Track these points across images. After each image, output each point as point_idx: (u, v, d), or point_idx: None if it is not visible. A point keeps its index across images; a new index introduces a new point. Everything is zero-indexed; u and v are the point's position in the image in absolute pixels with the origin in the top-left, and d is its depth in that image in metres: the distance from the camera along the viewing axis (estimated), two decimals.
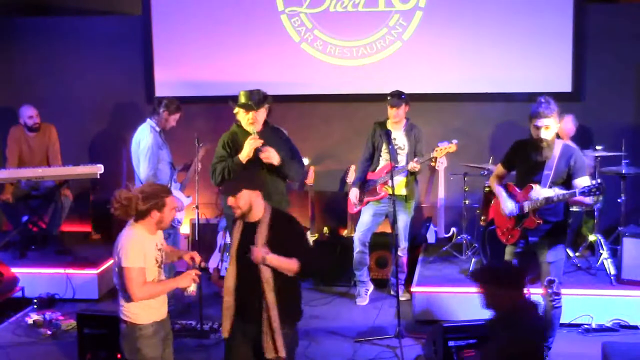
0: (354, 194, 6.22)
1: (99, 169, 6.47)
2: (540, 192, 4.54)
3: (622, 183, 5.94)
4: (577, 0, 6.86)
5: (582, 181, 4.53)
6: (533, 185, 4.59)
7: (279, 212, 4.08)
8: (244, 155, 5.15)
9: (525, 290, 3.79)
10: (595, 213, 6.05)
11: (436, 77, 7.17)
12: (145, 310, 3.93)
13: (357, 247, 6.20)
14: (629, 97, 6.95)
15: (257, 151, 5.15)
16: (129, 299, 3.86)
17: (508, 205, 4.71)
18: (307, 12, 7.30)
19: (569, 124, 6.26)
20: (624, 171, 5.86)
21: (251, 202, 3.91)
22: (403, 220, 6.10)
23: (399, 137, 6.10)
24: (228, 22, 7.42)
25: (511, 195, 4.76)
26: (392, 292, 6.32)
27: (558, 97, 6.35)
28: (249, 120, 5.18)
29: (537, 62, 6.96)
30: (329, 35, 7.29)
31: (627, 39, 6.87)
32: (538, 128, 4.55)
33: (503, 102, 7.02)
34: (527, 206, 4.61)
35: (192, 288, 4.19)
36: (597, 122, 6.44)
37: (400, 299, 5.60)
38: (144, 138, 5.88)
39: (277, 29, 7.34)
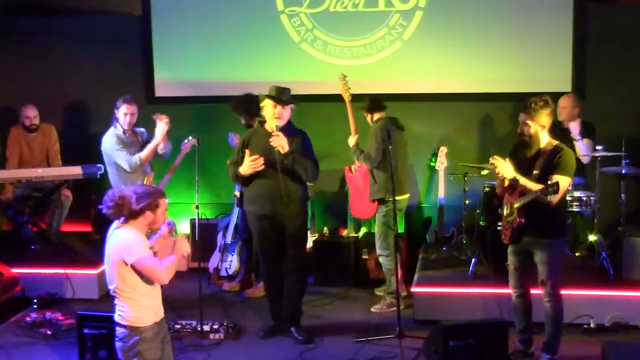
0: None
1: (99, 169, 6.48)
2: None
3: (622, 183, 5.93)
4: (577, 0, 6.87)
5: (557, 179, 4.46)
6: None
7: None
8: (242, 171, 5.24)
9: None
10: (594, 214, 6.04)
11: (436, 77, 7.17)
12: (145, 312, 3.92)
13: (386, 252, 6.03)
14: (629, 97, 6.94)
15: (268, 154, 5.19)
16: (138, 295, 3.85)
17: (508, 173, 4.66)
18: (307, 12, 7.30)
19: (567, 102, 6.30)
20: (624, 171, 5.85)
21: None
22: (377, 225, 6.08)
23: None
24: (228, 22, 7.42)
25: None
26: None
27: (558, 97, 6.42)
28: (274, 114, 5.22)
29: (537, 62, 6.96)
30: (329, 35, 7.29)
31: (627, 38, 6.87)
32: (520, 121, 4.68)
33: (503, 102, 7.02)
34: (515, 204, 4.64)
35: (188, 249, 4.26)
36: (597, 122, 6.43)
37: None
38: (105, 142, 6.12)
39: (277, 29, 7.33)
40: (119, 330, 3.94)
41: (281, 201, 5.22)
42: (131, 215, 3.87)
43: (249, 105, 6.19)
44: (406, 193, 6.15)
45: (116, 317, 3.95)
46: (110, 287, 3.93)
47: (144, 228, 3.91)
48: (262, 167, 5.20)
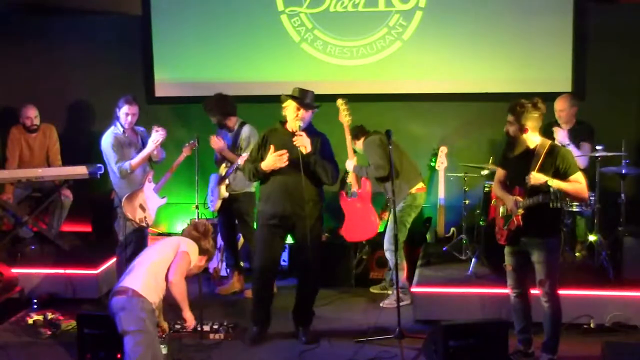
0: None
1: (99, 169, 6.49)
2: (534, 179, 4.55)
3: (622, 183, 5.93)
4: (577, 0, 6.87)
5: (577, 177, 4.54)
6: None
7: None
8: (265, 165, 5.23)
9: None
10: (594, 214, 6.04)
11: (436, 77, 7.17)
12: (155, 294, 4.35)
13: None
14: (629, 97, 6.95)
15: (291, 154, 5.21)
16: (154, 282, 4.40)
17: (509, 203, 4.73)
18: (307, 12, 7.30)
19: (565, 104, 6.28)
20: (624, 171, 5.85)
21: None
22: (390, 220, 6.02)
23: None
24: (228, 22, 7.42)
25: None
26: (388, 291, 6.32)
27: (558, 97, 6.42)
28: (298, 116, 5.23)
29: (537, 62, 6.96)
30: (329, 35, 7.29)
31: (627, 38, 6.87)
32: None
33: (503, 102, 6.99)
34: (517, 206, 4.64)
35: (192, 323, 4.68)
36: (597, 122, 6.44)
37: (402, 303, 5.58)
38: (103, 141, 6.13)
39: (277, 29, 7.33)
40: (121, 298, 4.25)
41: (296, 201, 5.20)
42: (200, 250, 4.63)
43: (224, 105, 6.28)
44: (422, 182, 6.26)
45: (128, 283, 4.31)
46: (156, 255, 4.50)
47: (194, 262, 4.60)
48: (286, 162, 5.18)
